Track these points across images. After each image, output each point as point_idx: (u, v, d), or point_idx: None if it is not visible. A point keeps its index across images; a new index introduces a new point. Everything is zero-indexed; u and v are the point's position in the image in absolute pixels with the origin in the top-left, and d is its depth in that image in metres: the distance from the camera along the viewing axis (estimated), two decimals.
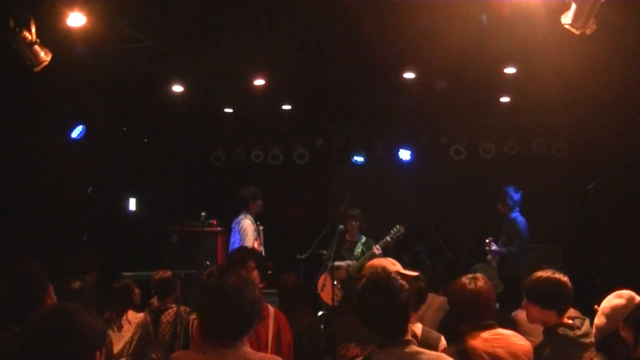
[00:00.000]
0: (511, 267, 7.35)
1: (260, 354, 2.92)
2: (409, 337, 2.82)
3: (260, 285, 3.96)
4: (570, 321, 3.46)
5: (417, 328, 3.51)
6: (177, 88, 7.72)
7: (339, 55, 7.00)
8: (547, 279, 3.53)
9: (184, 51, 6.74)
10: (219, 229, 9.06)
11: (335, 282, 7.21)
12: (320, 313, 7.84)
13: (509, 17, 5.30)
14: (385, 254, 7.45)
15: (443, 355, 2.85)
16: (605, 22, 4.64)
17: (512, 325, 4.20)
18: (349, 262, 7.82)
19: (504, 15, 5.33)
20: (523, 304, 3.66)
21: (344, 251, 7.94)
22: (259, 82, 7.52)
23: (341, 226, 7.53)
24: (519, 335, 3.36)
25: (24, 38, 5.06)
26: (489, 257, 7.88)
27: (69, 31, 5.35)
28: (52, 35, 5.36)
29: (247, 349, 2.80)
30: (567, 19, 4.53)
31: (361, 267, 7.79)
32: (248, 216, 7.90)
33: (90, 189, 8.43)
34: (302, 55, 6.96)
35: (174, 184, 9.98)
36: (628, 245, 7.59)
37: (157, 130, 9.69)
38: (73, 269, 5.43)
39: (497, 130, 9.51)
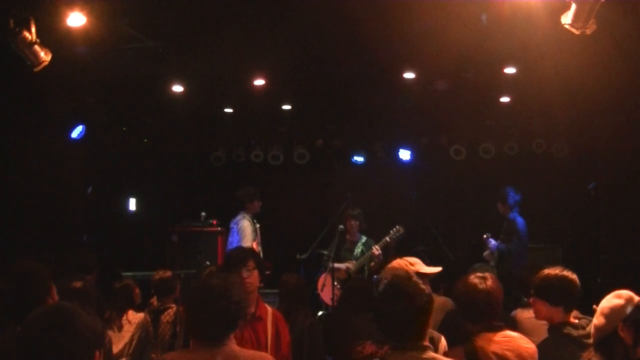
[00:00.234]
0: (508, 268, 7.35)
1: (249, 351, 2.99)
2: (427, 342, 2.82)
3: (260, 285, 3.97)
4: (577, 321, 3.48)
5: None
6: (177, 88, 7.71)
7: (339, 55, 7.00)
8: (556, 276, 3.57)
9: (184, 51, 6.73)
10: (219, 229, 9.07)
11: (335, 282, 7.25)
12: (320, 313, 7.85)
13: (509, 17, 5.29)
14: (385, 254, 7.46)
15: None
16: (605, 22, 4.65)
17: (512, 325, 4.23)
18: (348, 264, 7.82)
19: (504, 15, 5.31)
20: (530, 300, 3.68)
21: (344, 251, 7.93)
22: (259, 82, 7.51)
23: (341, 226, 7.55)
24: (525, 338, 3.36)
25: (24, 38, 5.05)
26: (485, 253, 7.87)
27: (69, 31, 5.34)
28: (52, 35, 5.35)
29: (234, 346, 2.85)
30: (567, 19, 4.53)
31: (361, 267, 7.83)
32: (247, 216, 7.90)
33: (90, 188, 8.43)
34: (302, 55, 6.96)
35: (174, 184, 9.99)
36: (628, 245, 7.58)
37: (157, 130, 9.69)
38: (73, 269, 5.44)
39: (497, 130, 9.50)
